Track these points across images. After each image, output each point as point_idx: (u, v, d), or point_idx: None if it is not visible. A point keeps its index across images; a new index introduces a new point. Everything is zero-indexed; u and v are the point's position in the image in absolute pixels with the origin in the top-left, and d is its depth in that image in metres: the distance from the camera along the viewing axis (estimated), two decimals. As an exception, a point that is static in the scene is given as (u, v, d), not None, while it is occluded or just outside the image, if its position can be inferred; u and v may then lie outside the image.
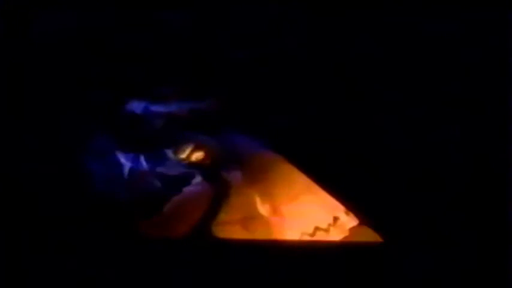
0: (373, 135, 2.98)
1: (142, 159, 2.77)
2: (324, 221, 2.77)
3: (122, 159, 2.79)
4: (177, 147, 2.81)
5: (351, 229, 2.75)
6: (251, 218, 2.75)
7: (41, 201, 2.78)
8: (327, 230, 2.76)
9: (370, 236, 2.76)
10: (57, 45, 3.01)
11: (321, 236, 2.75)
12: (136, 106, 2.92)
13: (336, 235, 2.77)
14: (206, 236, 2.71)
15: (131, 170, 2.77)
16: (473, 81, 2.98)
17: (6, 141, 2.88)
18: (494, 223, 2.70)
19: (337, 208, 2.80)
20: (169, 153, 2.80)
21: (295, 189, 2.79)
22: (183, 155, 2.79)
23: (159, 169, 2.78)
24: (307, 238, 2.75)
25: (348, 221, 2.79)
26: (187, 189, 2.78)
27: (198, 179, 2.80)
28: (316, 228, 2.76)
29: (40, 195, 2.79)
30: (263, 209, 2.76)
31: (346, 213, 2.80)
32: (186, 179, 2.78)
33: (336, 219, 2.78)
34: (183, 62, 3.03)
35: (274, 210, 2.76)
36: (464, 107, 2.95)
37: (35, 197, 2.79)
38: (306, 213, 2.77)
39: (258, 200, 2.77)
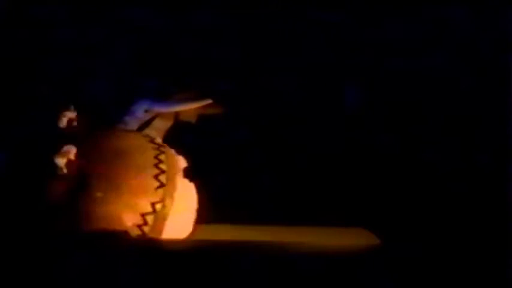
0: (371, 136, 2.99)
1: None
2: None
3: None
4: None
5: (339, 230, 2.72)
6: None
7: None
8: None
9: (368, 238, 2.74)
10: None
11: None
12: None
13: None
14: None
15: None
16: (473, 83, 2.99)
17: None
18: (494, 223, 2.68)
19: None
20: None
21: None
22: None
23: None
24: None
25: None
26: None
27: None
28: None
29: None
30: None
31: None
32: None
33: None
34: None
35: None
36: (463, 107, 2.96)
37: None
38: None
39: None
